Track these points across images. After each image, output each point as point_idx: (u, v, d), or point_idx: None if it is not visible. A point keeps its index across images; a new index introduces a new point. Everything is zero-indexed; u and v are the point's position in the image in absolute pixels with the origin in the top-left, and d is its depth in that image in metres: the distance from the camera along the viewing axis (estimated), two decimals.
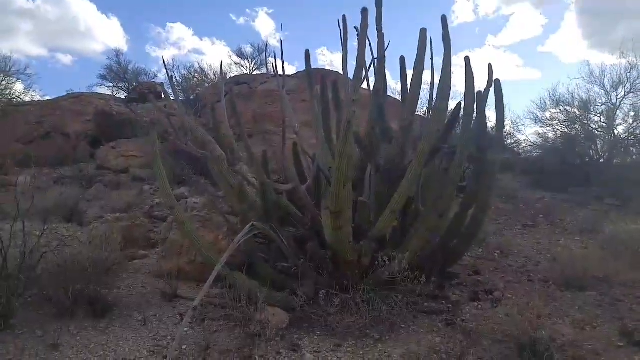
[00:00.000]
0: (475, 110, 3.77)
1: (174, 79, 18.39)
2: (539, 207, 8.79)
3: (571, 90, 12.74)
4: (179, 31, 38.97)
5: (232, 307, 3.29)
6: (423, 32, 3.79)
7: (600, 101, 12.09)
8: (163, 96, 19.68)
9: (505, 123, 4.07)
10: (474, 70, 3.88)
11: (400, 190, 3.61)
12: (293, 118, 5.20)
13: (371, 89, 4.90)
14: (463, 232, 4.14)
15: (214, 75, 19.22)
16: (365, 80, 4.65)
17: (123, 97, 19.61)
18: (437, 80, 4.63)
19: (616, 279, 4.46)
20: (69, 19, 38.43)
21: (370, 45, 4.41)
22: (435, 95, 3.83)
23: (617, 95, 11.74)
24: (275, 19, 37.44)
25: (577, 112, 12.15)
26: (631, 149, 11.78)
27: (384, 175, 4.25)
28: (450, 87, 3.74)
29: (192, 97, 17.36)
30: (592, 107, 12.03)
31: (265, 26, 36.89)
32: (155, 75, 21.33)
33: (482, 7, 41.34)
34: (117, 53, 20.36)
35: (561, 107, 12.45)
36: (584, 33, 37.97)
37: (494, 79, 4.07)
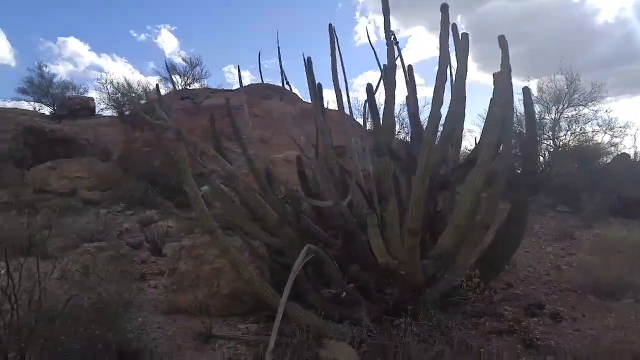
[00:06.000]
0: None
1: (107, 94, 16.61)
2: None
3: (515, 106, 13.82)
4: (73, 46, 35.26)
5: (302, 346, 2.82)
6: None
7: (542, 116, 13.25)
8: (97, 112, 17.99)
9: None
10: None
11: (463, 203, 3.40)
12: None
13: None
14: (505, 244, 4.03)
15: (143, 90, 17.60)
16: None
17: (47, 113, 17.53)
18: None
19: (634, 285, 4.58)
20: None
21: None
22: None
23: (556, 110, 13.01)
24: (178, 36, 36.10)
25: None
26: (568, 159, 12.96)
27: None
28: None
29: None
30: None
31: (168, 43, 35.09)
32: (86, 90, 19.37)
33: (382, 28, 43.84)
34: (40, 65, 18.17)
35: None
36: (474, 56, 41.53)
37: None
